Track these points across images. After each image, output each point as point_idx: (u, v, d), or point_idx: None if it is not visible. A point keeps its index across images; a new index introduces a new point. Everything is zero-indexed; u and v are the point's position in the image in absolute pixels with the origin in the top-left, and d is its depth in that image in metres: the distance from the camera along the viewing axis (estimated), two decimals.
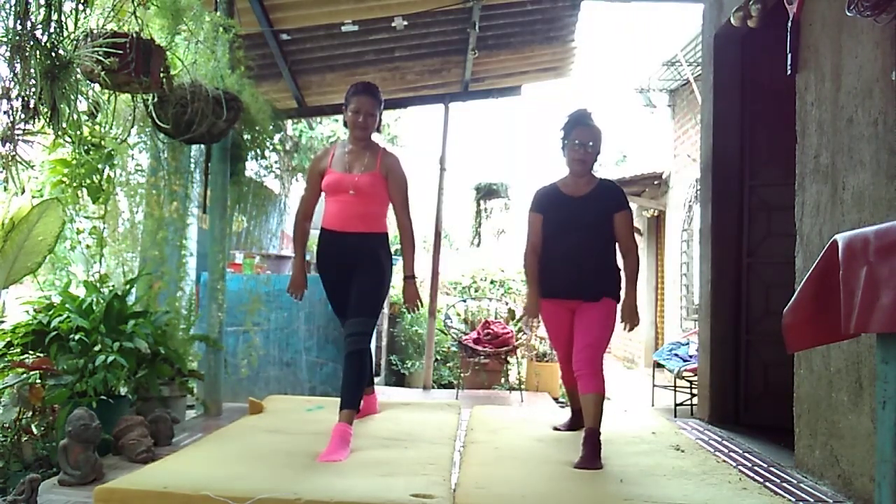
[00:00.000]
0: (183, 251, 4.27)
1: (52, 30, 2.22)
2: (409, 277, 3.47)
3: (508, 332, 6.61)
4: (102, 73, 2.63)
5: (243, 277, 5.07)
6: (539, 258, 3.48)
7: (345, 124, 3.48)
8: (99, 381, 3.16)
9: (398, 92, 6.83)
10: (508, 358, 6.67)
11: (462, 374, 6.89)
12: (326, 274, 3.47)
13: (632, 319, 3.37)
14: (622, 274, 3.44)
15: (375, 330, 6.75)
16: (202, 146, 4.36)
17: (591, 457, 2.98)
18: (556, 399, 6.34)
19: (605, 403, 3.17)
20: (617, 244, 3.42)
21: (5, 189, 3.22)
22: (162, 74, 3.07)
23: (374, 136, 3.49)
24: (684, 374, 5.03)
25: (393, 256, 3.59)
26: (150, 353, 3.49)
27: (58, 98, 2.20)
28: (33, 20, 2.17)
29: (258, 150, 4.71)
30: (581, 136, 3.35)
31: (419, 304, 3.49)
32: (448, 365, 8.20)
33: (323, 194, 3.48)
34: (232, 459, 2.85)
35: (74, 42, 2.32)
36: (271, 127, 4.69)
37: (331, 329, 5.15)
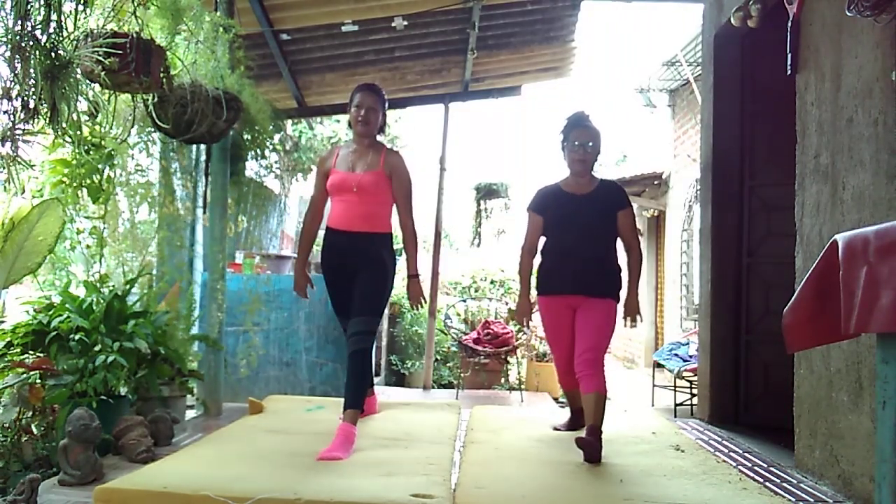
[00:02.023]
0: (191, 251, 4.30)
1: (52, 30, 2.21)
2: (413, 276, 3.51)
3: (508, 332, 6.61)
4: (102, 73, 2.62)
5: (243, 277, 5.07)
6: (541, 255, 3.51)
7: (349, 124, 3.52)
8: (99, 381, 3.16)
9: (398, 92, 6.83)
10: (508, 358, 6.67)
11: (462, 374, 6.89)
12: (329, 273, 3.48)
13: (633, 314, 3.40)
14: (623, 272, 3.44)
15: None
16: (202, 146, 4.36)
17: (592, 438, 3.01)
18: (556, 399, 6.34)
19: (606, 404, 3.17)
20: (620, 242, 3.45)
21: (5, 189, 3.22)
22: (162, 74, 3.07)
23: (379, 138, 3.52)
24: (684, 374, 5.03)
25: (396, 256, 3.59)
26: (150, 353, 3.48)
27: (58, 98, 2.19)
28: (33, 20, 2.17)
29: (258, 150, 4.71)
30: (580, 136, 3.40)
31: (423, 302, 3.52)
32: (448, 365, 8.20)
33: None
34: (232, 459, 2.85)
35: (74, 42, 2.32)
36: (271, 127, 4.69)
37: (331, 329, 5.15)
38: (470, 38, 5.69)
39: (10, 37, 2.12)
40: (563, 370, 3.56)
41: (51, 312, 3.45)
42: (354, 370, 3.22)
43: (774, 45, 3.67)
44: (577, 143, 3.39)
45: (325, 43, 5.64)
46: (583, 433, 3.12)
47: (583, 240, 3.35)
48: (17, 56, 2.12)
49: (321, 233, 3.62)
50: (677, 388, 5.18)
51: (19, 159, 2.24)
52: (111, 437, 3.16)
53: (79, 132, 3.57)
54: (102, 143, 3.84)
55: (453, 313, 7.21)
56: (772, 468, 3.28)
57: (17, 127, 2.19)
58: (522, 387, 6.56)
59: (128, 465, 2.98)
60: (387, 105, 3.53)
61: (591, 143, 3.39)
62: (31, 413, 3.26)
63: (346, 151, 3.46)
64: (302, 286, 3.57)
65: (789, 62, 3.41)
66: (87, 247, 4.01)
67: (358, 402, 3.20)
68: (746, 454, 3.54)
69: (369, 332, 3.28)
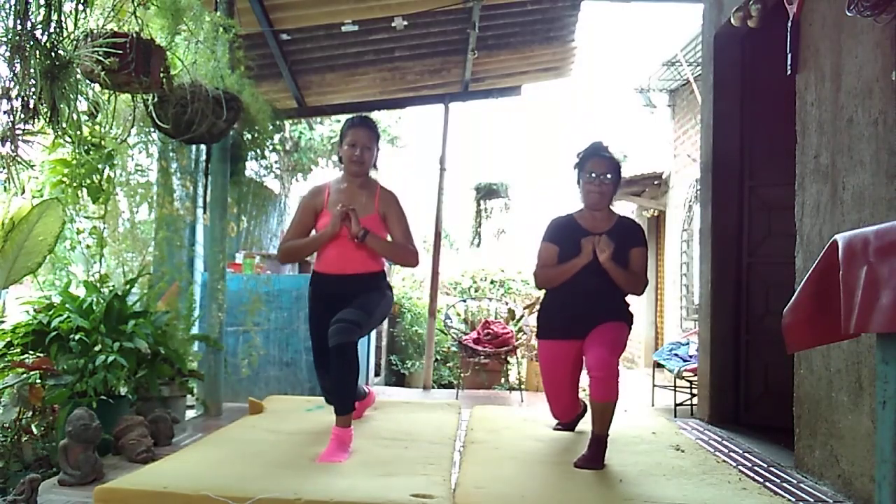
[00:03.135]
0: (191, 251, 4.30)
1: (52, 30, 2.21)
2: (365, 232, 3.12)
3: (508, 332, 6.61)
4: (102, 73, 2.62)
5: (243, 277, 5.07)
6: (547, 293, 3.38)
7: (339, 160, 3.30)
8: (99, 381, 3.16)
9: (398, 92, 6.83)
10: (508, 358, 6.67)
11: (462, 374, 6.90)
12: (317, 314, 3.25)
13: (606, 246, 3.12)
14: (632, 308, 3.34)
15: (375, 330, 6.79)
16: (202, 146, 4.36)
17: (595, 457, 2.97)
18: None
19: (615, 413, 3.05)
20: None
21: (5, 189, 3.23)
22: (162, 74, 3.07)
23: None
24: (684, 374, 5.03)
25: (392, 291, 3.42)
26: (150, 353, 3.48)
27: (58, 98, 2.19)
28: (33, 20, 2.17)
29: (258, 150, 4.72)
30: (596, 167, 3.23)
31: (350, 221, 3.11)
32: (448, 365, 8.22)
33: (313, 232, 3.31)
34: (232, 459, 2.86)
35: (74, 42, 2.32)
36: (271, 127, 4.68)
37: None
38: (470, 38, 5.69)
39: (10, 37, 2.12)
40: (559, 413, 3.52)
41: (51, 312, 3.45)
42: (338, 372, 2.99)
43: (774, 45, 3.67)
44: (592, 174, 3.21)
45: (325, 43, 5.64)
46: (585, 434, 3.11)
47: (595, 281, 3.17)
48: (17, 56, 2.12)
49: (307, 267, 3.41)
50: (677, 388, 5.18)
51: (19, 159, 2.24)
52: (111, 437, 3.16)
53: (79, 132, 3.57)
54: (102, 143, 3.84)
55: (453, 313, 7.21)
56: (772, 468, 3.28)
57: (17, 127, 2.19)
58: (522, 387, 6.56)
59: (128, 465, 2.98)
60: (380, 139, 3.32)
61: (608, 175, 3.21)
62: (31, 413, 3.26)
63: (336, 188, 3.26)
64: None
65: (789, 62, 3.41)
66: (87, 247, 4.01)
67: (346, 406, 3.03)
68: (746, 454, 3.54)
69: (355, 324, 3.00)
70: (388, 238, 3.27)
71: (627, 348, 11.27)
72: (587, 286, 3.18)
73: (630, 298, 3.35)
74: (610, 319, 3.20)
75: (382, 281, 3.31)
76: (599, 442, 3.01)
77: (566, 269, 3.21)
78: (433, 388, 6.99)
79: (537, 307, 3.53)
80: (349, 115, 3.35)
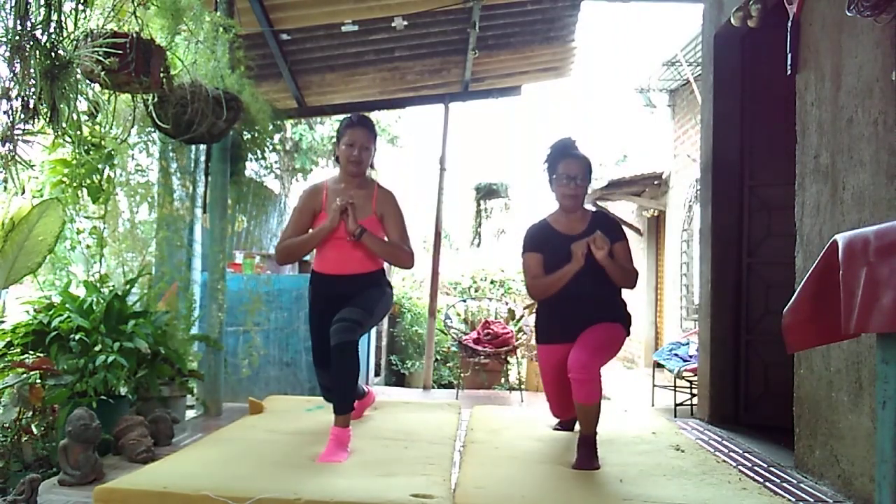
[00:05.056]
0: (190, 251, 4.30)
1: (52, 30, 2.21)
2: (364, 230, 3.13)
3: (508, 332, 6.61)
4: (102, 73, 2.62)
5: (243, 277, 5.07)
6: (539, 302, 3.37)
7: (336, 160, 3.30)
8: (99, 381, 3.16)
9: (398, 92, 6.83)
10: (508, 358, 6.67)
11: (462, 374, 6.90)
12: (316, 313, 3.27)
13: (602, 244, 3.06)
14: (630, 309, 3.33)
15: (375, 329, 6.80)
16: (202, 146, 4.36)
17: (588, 459, 2.96)
18: None
19: (605, 403, 3.11)
20: None
21: (5, 189, 3.22)
22: (162, 74, 3.06)
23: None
24: (684, 374, 5.03)
25: (391, 287, 3.43)
26: (150, 353, 3.48)
27: (58, 98, 2.19)
28: (33, 20, 2.17)
29: (258, 150, 4.72)
30: (568, 168, 3.20)
31: (346, 215, 3.10)
32: (448, 365, 8.22)
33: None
34: (232, 459, 2.86)
35: (74, 42, 2.32)
36: (271, 127, 4.68)
37: None
38: (470, 38, 5.70)
39: (10, 37, 2.12)
40: (558, 411, 3.52)
41: (51, 312, 3.45)
42: (339, 370, 3.00)
43: (774, 45, 3.67)
44: (565, 176, 3.18)
45: (325, 43, 5.64)
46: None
47: (582, 282, 3.12)
48: (17, 56, 2.12)
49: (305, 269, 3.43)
50: (677, 388, 5.18)
51: (19, 159, 2.24)
52: (111, 437, 3.17)
53: (79, 132, 3.57)
54: (102, 143, 3.84)
55: (453, 313, 7.21)
56: (772, 468, 3.28)
57: (17, 127, 2.19)
58: (522, 387, 6.56)
59: (128, 465, 2.98)
60: (377, 139, 3.33)
61: (580, 177, 3.19)
62: (31, 413, 3.26)
63: (334, 188, 3.26)
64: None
65: (789, 62, 3.41)
66: (87, 247, 4.01)
67: (346, 406, 3.04)
68: (746, 454, 3.54)
69: (356, 322, 3.02)
70: (385, 239, 3.27)
71: (627, 348, 11.23)
72: (579, 290, 3.15)
73: (628, 300, 3.35)
74: (604, 321, 3.18)
75: (382, 279, 3.32)
76: (587, 442, 2.99)
77: (560, 277, 3.15)
78: (433, 388, 6.99)
79: (536, 307, 3.53)
80: (346, 115, 3.36)
